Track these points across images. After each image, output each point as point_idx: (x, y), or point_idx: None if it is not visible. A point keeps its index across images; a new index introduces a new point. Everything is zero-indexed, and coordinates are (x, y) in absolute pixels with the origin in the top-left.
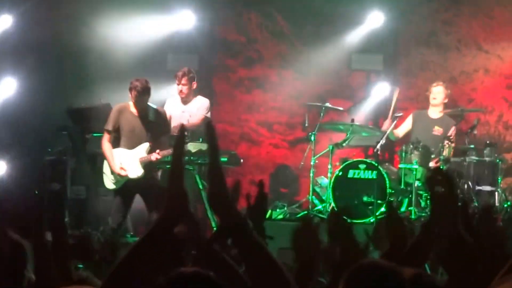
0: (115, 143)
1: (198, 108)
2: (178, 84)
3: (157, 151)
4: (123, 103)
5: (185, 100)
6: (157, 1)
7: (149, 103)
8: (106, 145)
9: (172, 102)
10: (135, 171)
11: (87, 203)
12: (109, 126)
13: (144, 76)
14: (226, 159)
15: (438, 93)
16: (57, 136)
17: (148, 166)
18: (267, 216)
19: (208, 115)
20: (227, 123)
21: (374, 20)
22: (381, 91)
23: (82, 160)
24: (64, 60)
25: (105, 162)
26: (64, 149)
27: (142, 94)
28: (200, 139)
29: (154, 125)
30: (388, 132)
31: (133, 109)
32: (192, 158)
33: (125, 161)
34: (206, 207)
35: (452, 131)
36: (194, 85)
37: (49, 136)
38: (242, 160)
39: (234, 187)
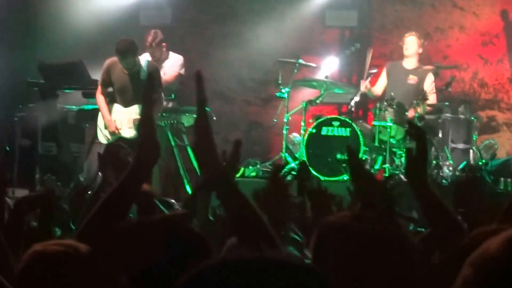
0: (113, 98)
1: (171, 66)
2: (149, 52)
3: None
4: (114, 57)
5: (157, 60)
6: None
7: (141, 60)
8: (99, 98)
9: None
10: (128, 131)
11: (57, 160)
12: (100, 80)
13: (116, 33)
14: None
15: (410, 42)
16: (28, 92)
17: None
18: (240, 173)
19: (182, 71)
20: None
21: None
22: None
23: (52, 116)
24: (36, 15)
25: (99, 115)
26: (35, 105)
27: (124, 56)
28: (173, 95)
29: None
30: (362, 88)
31: (125, 70)
32: (164, 114)
33: (119, 119)
34: (179, 164)
35: (430, 80)
36: (164, 46)
37: (19, 92)
38: (215, 118)
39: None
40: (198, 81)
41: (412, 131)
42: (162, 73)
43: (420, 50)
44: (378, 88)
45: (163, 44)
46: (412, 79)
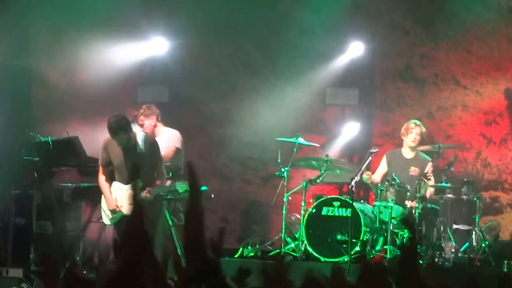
0: (112, 176)
1: (167, 141)
2: (139, 123)
3: (147, 189)
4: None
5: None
6: (129, 28)
7: (138, 134)
8: (101, 179)
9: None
10: (129, 208)
11: (53, 238)
12: (100, 160)
13: (114, 109)
14: (206, 187)
15: (417, 134)
16: (23, 169)
17: (141, 203)
18: (238, 254)
19: (180, 146)
20: (198, 157)
21: (350, 54)
22: (356, 126)
23: (48, 194)
24: (31, 91)
25: (103, 197)
26: (30, 183)
27: (116, 132)
28: (170, 174)
29: (143, 157)
30: (364, 178)
31: (119, 146)
32: (161, 193)
33: (120, 197)
34: (176, 244)
35: (429, 168)
36: (154, 120)
37: (15, 169)
38: (213, 196)
39: (219, 236)
40: (189, 169)
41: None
42: None
43: (421, 140)
44: (378, 175)
45: (153, 116)
46: (414, 171)
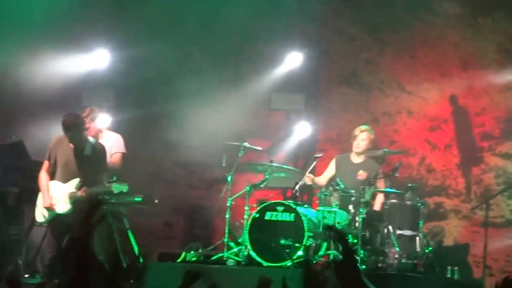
0: (53, 175)
1: (112, 145)
2: (86, 126)
3: (83, 188)
4: (63, 134)
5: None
6: (74, 40)
7: (89, 138)
8: (42, 176)
9: None
10: (62, 207)
11: None
12: (46, 155)
13: (60, 114)
14: (140, 199)
15: (362, 140)
16: None
17: (76, 203)
18: (181, 258)
19: (125, 150)
20: (142, 161)
21: (294, 59)
22: (301, 131)
23: None
24: None
25: (40, 194)
26: None
27: (69, 129)
28: (114, 177)
29: (89, 160)
30: (307, 181)
31: (70, 143)
32: (105, 197)
33: (57, 195)
34: (118, 248)
35: (377, 173)
36: (98, 124)
37: None
38: (157, 201)
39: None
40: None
41: (331, 235)
42: None
43: (369, 146)
44: (324, 178)
45: (96, 121)
46: (362, 175)
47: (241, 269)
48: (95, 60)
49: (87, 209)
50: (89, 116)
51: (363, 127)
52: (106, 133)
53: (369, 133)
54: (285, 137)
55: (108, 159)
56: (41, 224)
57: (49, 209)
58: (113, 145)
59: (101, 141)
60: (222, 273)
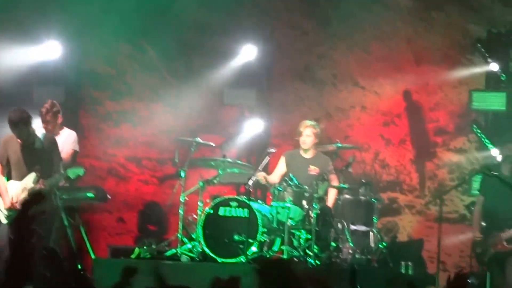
0: (9, 175)
1: (65, 142)
2: (43, 121)
3: (41, 180)
4: (11, 134)
5: (50, 132)
6: (23, 31)
7: (37, 131)
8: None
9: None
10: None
11: None
12: None
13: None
14: (93, 195)
15: (307, 136)
16: None
17: None
18: (135, 254)
19: (77, 148)
20: (94, 157)
21: (248, 54)
22: (254, 126)
23: None
24: None
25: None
26: None
27: (16, 125)
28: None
29: (41, 153)
30: (260, 179)
31: (19, 140)
32: (57, 193)
33: (16, 194)
34: (72, 244)
35: (330, 169)
36: (60, 119)
37: None
38: (109, 196)
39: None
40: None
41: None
42: None
43: (316, 141)
44: (276, 176)
45: (59, 115)
46: (314, 170)
47: (194, 265)
48: (45, 52)
49: (24, 202)
50: (52, 110)
51: (308, 122)
52: (64, 130)
53: (314, 128)
54: (238, 132)
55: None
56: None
57: (11, 209)
58: (66, 141)
59: (57, 136)
60: (176, 269)
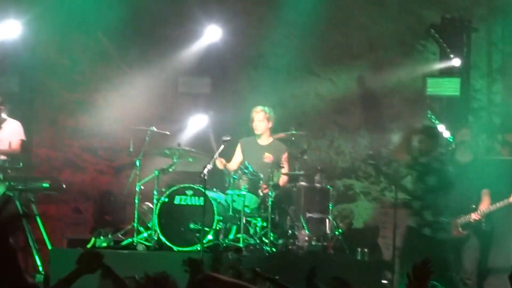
0: None
1: (12, 133)
2: None
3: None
4: None
5: None
6: None
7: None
8: None
9: None
10: None
11: None
12: None
13: None
14: (48, 185)
15: (258, 121)
16: None
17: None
18: (91, 244)
19: (24, 137)
20: (49, 148)
21: (203, 42)
22: (209, 115)
23: None
24: None
25: None
26: None
27: None
28: (21, 164)
29: None
30: (218, 165)
31: None
32: (12, 183)
33: None
34: (28, 234)
35: (284, 157)
36: (2, 111)
37: None
38: (65, 187)
39: None
40: None
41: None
42: None
43: (270, 125)
44: (234, 164)
45: (1, 107)
46: (268, 158)
47: (150, 254)
48: (4, 30)
49: None
50: None
51: (258, 108)
52: (7, 121)
53: (266, 112)
54: (193, 121)
55: (8, 146)
56: None
57: None
58: (14, 132)
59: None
60: (132, 258)
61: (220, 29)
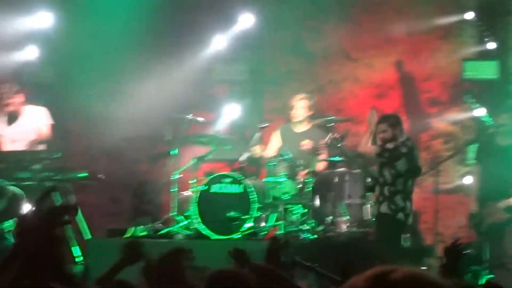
0: None
1: (38, 118)
2: (4, 104)
3: None
4: None
5: (13, 117)
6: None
7: None
8: None
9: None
10: None
11: None
12: None
13: None
14: (86, 174)
15: (299, 108)
16: None
17: None
18: (130, 233)
19: (52, 121)
20: (86, 137)
21: (239, 28)
22: (246, 102)
23: None
24: None
25: None
26: None
27: None
28: (60, 154)
29: None
30: (256, 152)
31: None
32: (50, 173)
33: None
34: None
35: (322, 143)
36: (22, 98)
37: None
38: (103, 176)
39: None
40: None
41: None
42: (21, 131)
43: (310, 112)
44: (272, 150)
45: (21, 95)
46: (307, 144)
47: (190, 243)
48: (37, 22)
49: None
50: (10, 91)
51: (300, 95)
52: (28, 108)
53: (307, 100)
54: (230, 108)
55: (38, 132)
56: None
57: None
58: (39, 117)
59: (24, 116)
60: (171, 247)
61: (254, 15)
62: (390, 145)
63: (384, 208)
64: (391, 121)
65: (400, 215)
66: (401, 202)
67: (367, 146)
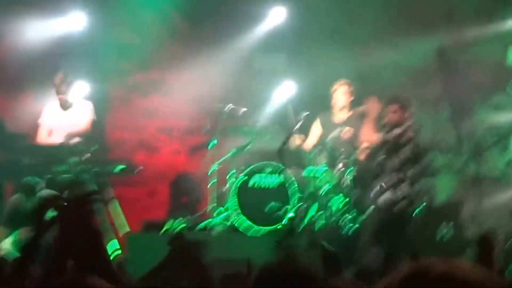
0: None
1: (85, 111)
2: (58, 92)
3: None
4: None
5: (65, 106)
6: (47, 3)
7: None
8: None
9: (49, 111)
10: None
11: None
12: None
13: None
14: (124, 166)
15: (341, 95)
16: None
17: None
18: (169, 226)
19: (94, 117)
20: (124, 129)
21: (276, 17)
22: (285, 91)
23: None
24: None
25: None
26: None
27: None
28: (96, 146)
29: None
30: (297, 142)
31: None
32: (87, 166)
33: None
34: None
35: (364, 131)
36: (74, 89)
37: None
38: (140, 168)
39: None
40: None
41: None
42: (70, 121)
43: (351, 99)
44: (312, 140)
45: (73, 86)
46: (348, 132)
47: (230, 235)
48: (69, 23)
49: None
50: (66, 81)
51: (341, 81)
52: (78, 101)
53: (347, 86)
54: (269, 98)
55: (80, 126)
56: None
57: None
58: (86, 111)
59: (71, 109)
60: (210, 240)
61: (288, 7)
62: (397, 130)
63: (389, 195)
64: (402, 102)
65: (405, 202)
66: (406, 189)
67: (372, 135)
